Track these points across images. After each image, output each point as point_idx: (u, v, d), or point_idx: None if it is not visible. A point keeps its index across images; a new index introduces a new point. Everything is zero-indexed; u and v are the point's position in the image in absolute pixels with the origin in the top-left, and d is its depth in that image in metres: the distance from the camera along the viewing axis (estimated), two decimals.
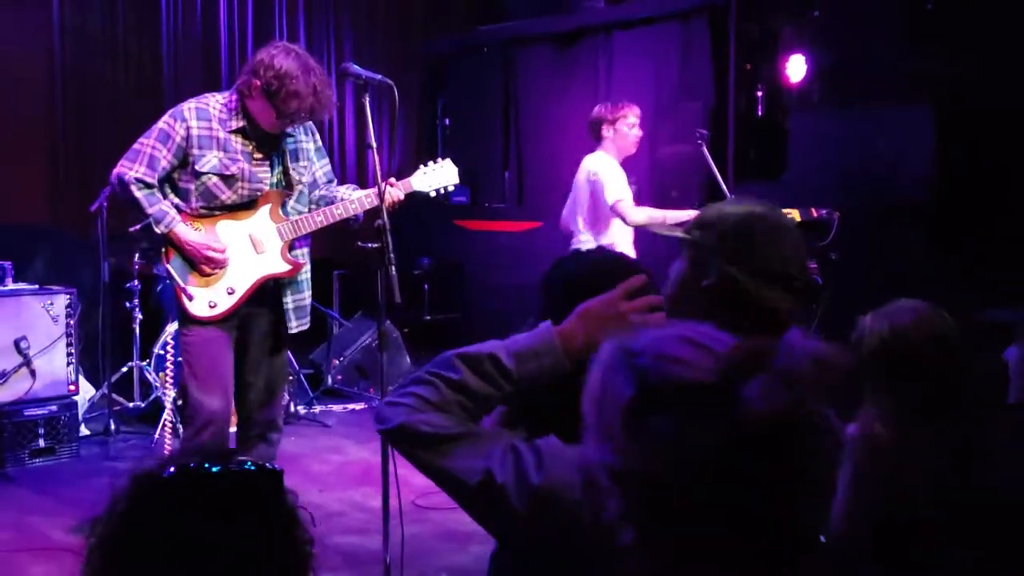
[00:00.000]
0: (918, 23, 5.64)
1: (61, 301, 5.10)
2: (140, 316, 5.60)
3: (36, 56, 6.30)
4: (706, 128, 5.59)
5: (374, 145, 3.30)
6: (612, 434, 0.97)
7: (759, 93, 6.36)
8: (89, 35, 6.52)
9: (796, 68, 6.13)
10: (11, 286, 5.10)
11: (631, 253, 4.94)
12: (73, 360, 5.14)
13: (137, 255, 5.44)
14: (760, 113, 6.34)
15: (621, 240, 4.96)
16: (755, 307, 1.68)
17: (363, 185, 4.16)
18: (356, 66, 3.36)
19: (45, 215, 6.36)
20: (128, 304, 5.59)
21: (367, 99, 3.32)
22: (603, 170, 4.93)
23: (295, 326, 3.61)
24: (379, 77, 3.32)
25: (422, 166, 3.72)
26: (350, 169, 8.09)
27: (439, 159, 3.75)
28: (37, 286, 5.20)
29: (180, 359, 3.76)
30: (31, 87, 6.29)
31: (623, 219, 4.87)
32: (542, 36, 7.64)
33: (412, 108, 8.25)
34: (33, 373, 4.98)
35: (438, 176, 3.69)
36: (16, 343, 4.94)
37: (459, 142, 8.14)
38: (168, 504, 1.05)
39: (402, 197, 3.54)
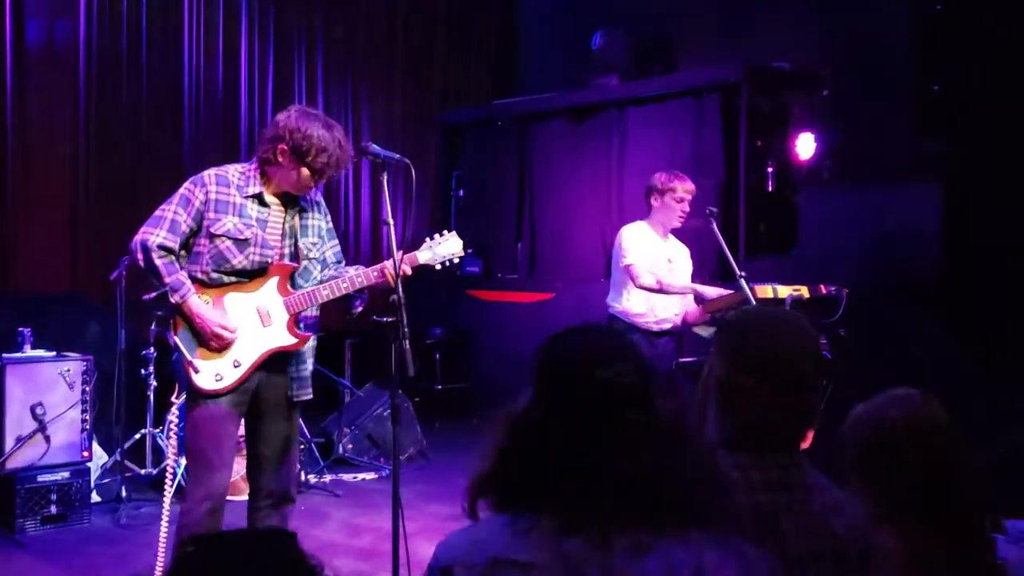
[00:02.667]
0: (927, 103, 5.74)
1: (77, 367, 5.16)
2: (155, 383, 5.65)
3: (62, 129, 6.45)
4: (717, 203, 5.69)
5: (391, 222, 3.38)
6: None
7: (770, 169, 6.46)
8: (113, 109, 6.67)
9: (806, 145, 6.23)
10: (29, 352, 5.16)
11: (648, 315, 5.13)
12: (88, 427, 5.17)
13: (154, 323, 5.50)
14: (770, 189, 6.43)
15: (638, 303, 5.14)
16: (763, 413, 1.72)
17: (377, 260, 4.22)
18: (375, 145, 3.46)
19: (65, 282, 6.45)
20: (143, 371, 5.64)
21: (385, 177, 3.41)
22: (628, 236, 5.16)
23: (296, 395, 3.60)
24: (397, 156, 3.41)
25: (427, 239, 3.74)
26: (364, 244, 8.20)
27: (444, 232, 3.77)
28: (55, 352, 5.26)
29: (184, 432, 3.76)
30: (56, 157, 6.43)
31: (632, 281, 5.05)
32: (557, 111, 7.79)
33: (427, 179, 8.38)
34: (48, 439, 5.02)
35: (443, 248, 3.71)
36: (32, 409, 4.99)
37: (473, 213, 8.25)
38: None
39: (409, 272, 3.57)
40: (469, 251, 3.85)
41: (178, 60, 7.00)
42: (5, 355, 5.05)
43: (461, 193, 8.44)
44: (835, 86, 6.32)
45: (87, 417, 5.17)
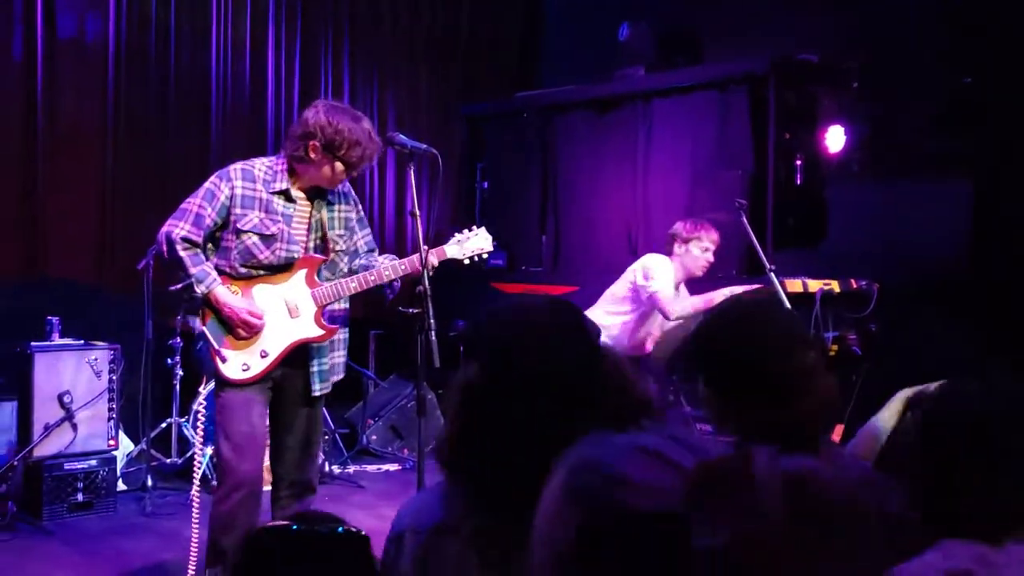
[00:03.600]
0: (956, 97, 5.67)
1: (105, 357, 5.20)
2: (181, 373, 5.68)
3: (90, 120, 6.48)
4: (745, 197, 5.64)
5: (417, 213, 3.37)
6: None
7: (798, 162, 6.38)
8: (141, 101, 6.69)
9: (835, 138, 6.16)
10: (58, 341, 5.20)
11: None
12: (114, 415, 5.21)
13: (180, 313, 5.53)
14: (799, 182, 6.36)
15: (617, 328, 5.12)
16: (736, 404, 1.69)
17: (401, 251, 4.21)
18: (402, 136, 3.45)
19: (93, 271, 6.49)
20: (170, 361, 5.67)
21: (412, 168, 3.40)
22: (656, 263, 5.05)
23: (318, 389, 3.61)
24: (424, 147, 3.40)
25: (456, 234, 3.74)
26: (389, 235, 8.20)
27: (474, 227, 3.77)
28: (83, 341, 5.30)
29: (215, 419, 3.79)
30: (85, 149, 6.46)
31: (662, 311, 4.97)
32: (581, 102, 7.74)
33: (451, 172, 8.37)
34: (75, 427, 5.06)
35: (472, 244, 3.71)
36: (59, 397, 5.03)
37: (497, 206, 8.22)
38: (272, 567, 1.11)
39: (436, 264, 3.56)
40: (490, 252, 3.82)
41: (205, 53, 7.00)
42: (34, 343, 5.09)
43: (485, 185, 8.42)
44: (864, 78, 6.24)
45: (114, 406, 5.21)
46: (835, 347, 4.54)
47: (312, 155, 3.43)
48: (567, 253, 7.88)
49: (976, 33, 5.70)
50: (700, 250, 5.02)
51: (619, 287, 5.21)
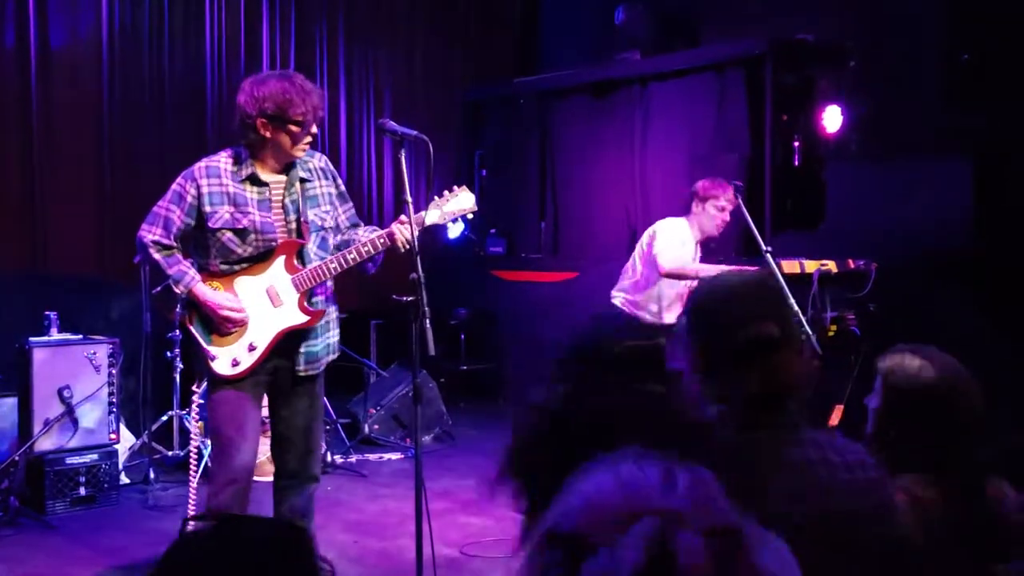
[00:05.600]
0: (956, 75, 5.63)
1: (104, 351, 5.20)
2: (181, 365, 5.67)
3: (87, 115, 6.46)
4: (742, 179, 5.63)
5: (410, 200, 3.34)
6: None
7: (796, 144, 6.36)
8: (137, 95, 6.68)
9: (833, 119, 6.13)
10: (56, 336, 5.20)
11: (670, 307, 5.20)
12: (115, 409, 5.21)
13: (179, 306, 5.51)
14: (797, 164, 6.33)
15: (649, 297, 5.25)
16: (710, 369, 1.75)
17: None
18: (392, 122, 3.42)
19: (92, 266, 6.48)
20: (169, 354, 5.67)
21: (403, 154, 3.37)
22: (663, 230, 5.18)
23: (303, 369, 3.54)
24: (415, 133, 3.36)
25: (435, 197, 3.65)
26: (388, 222, 8.18)
27: (454, 188, 3.66)
28: (81, 336, 5.30)
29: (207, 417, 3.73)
30: (83, 142, 6.45)
31: (656, 266, 5.09)
32: (578, 87, 7.72)
33: (449, 159, 8.34)
34: (75, 422, 5.06)
35: (452, 206, 3.63)
36: (59, 392, 5.03)
37: (496, 192, 8.21)
38: (199, 567, 1.08)
39: (416, 232, 3.42)
40: (475, 212, 3.68)
41: (200, 42, 6.98)
42: (32, 338, 5.09)
43: (484, 172, 8.40)
44: (862, 58, 6.20)
45: (114, 400, 5.21)
46: (834, 327, 4.53)
47: (264, 132, 3.37)
48: (566, 239, 7.87)
49: (974, 10, 5.65)
50: (716, 209, 5.11)
51: (635, 256, 5.35)
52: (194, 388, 4.60)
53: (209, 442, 4.96)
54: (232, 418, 3.44)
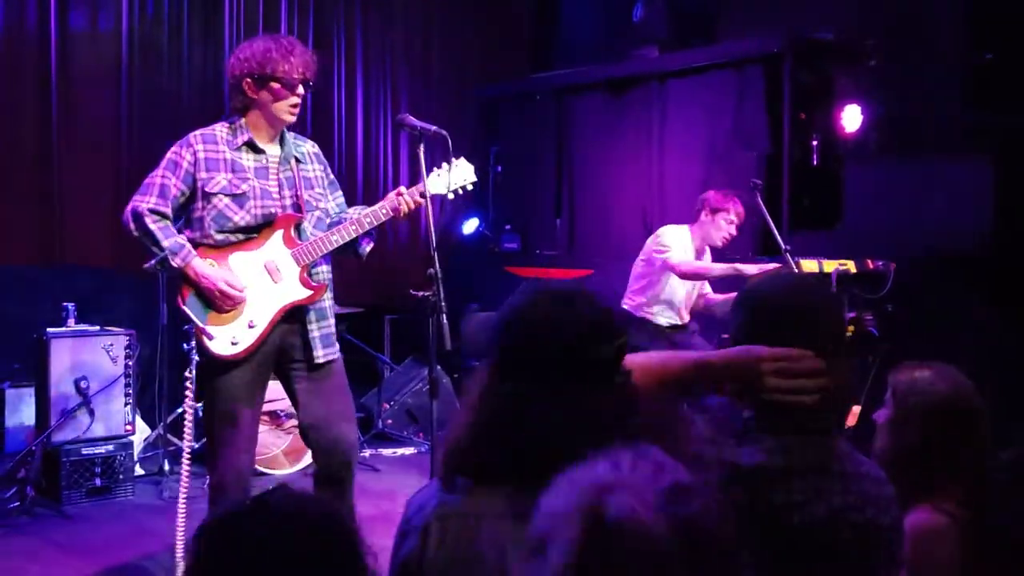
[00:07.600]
0: (977, 74, 5.58)
1: (121, 342, 5.22)
2: (197, 358, 5.67)
3: (104, 109, 6.48)
4: (760, 177, 5.60)
5: (427, 194, 3.34)
6: None
7: (814, 142, 6.31)
8: (155, 88, 6.69)
9: (852, 118, 6.08)
10: (73, 327, 5.23)
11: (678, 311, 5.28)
12: (131, 400, 5.23)
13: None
14: (815, 162, 6.29)
15: (652, 299, 5.35)
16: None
17: (415, 232, 4.16)
18: (412, 117, 3.42)
19: (109, 258, 6.50)
20: (186, 346, 5.65)
21: (422, 149, 3.36)
22: (667, 234, 5.25)
23: (321, 355, 3.42)
24: (433, 128, 3.36)
25: (436, 168, 3.60)
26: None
27: (453, 159, 3.58)
28: (98, 327, 5.32)
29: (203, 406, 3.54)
30: (100, 136, 6.47)
31: (673, 270, 5.14)
32: (595, 84, 7.69)
33: (464, 155, 8.31)
34: (92, 413, 5.09)
35: (453, 176, 3.58)
36: (76, 383, 5.05)
37: (511, 189, 8.19)
38: (236, 551, 1.08)
39: (421, 202, 3.41)
40: (475, 183, 3.73)
41: (218, 40, 6.99)
42: (50, 329, 5.11)
43: (499, 169, 8.38)
44: (881, 56, 6.15)
45: (130, 391, 5.23)
46: (852, 328, 4.50)
47: (252, 94, 3.33)
48: (582, 236, 7.84)
49: (996, 8, 5.60)
50: (726, 222, 5.15)
51: (638, 264, 5.41)
52: (186, 374, 4.51)
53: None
54: (230, 409, 3.34)
